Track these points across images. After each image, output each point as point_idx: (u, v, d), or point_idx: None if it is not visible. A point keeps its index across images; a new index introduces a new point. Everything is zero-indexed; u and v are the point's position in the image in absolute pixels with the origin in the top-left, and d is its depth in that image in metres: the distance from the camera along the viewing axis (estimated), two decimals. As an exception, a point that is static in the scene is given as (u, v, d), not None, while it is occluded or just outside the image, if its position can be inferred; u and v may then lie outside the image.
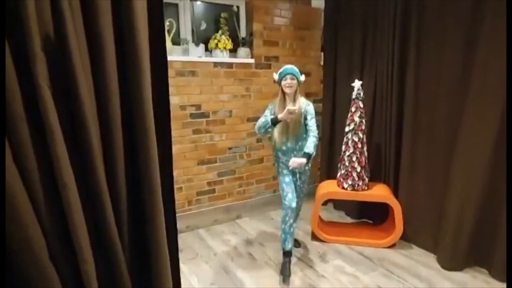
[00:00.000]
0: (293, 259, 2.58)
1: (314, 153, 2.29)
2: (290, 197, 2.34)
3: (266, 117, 2.31)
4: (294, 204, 2.34)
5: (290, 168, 2.25)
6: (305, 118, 2.35)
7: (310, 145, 2.27)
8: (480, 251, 2.37)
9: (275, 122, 2.24)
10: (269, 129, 2.30)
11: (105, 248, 0.93)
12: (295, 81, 2.29)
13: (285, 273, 2.35)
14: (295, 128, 2.32)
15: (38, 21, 0.71)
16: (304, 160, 2.22)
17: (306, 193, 2.64)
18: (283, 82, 2.29)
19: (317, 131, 2.34)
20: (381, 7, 2.88)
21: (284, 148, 2.38)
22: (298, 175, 2.49)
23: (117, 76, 0.86)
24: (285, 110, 2.18)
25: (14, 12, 0.71)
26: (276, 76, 2.36)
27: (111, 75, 0.84)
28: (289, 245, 2.41)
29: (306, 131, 2.35)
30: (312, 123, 2.34)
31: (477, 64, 2.23)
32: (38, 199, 0.75)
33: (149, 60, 0.92)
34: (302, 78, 2.35)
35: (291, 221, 2.38)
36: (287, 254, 2.42)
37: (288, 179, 2.40)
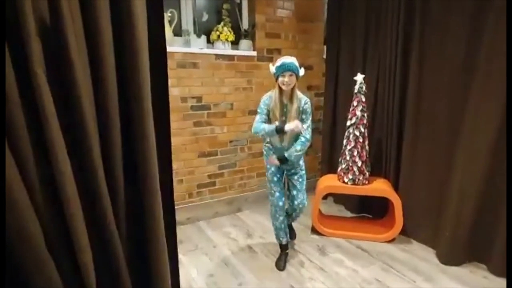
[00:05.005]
0: (293, 252, 2.59)
1: (302, 152, 2.19)
2: (277, 195, 2.33)
3: (262, 115, 2.16)
4: (281, 203, 2.33)
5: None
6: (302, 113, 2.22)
7: (294, 149, 2.16)
8: (479, 247, 2.37)
9: (280, 131, 2.08)
10: (271, 136, 2.20)
11: (103, 238, 0.93)
12: (294, 78, 2.06)
13: (279, 264, 2.38)
14: None
15: (33, 6, 0.70)
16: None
17: (308, 190, 2.51)
18: (280, 79, 2.07)
19: (310, 134, 2.19)
20: (385, 0, 2.85)
21: (279, 146, 2.27)
22: (291, 171, 2.36)
23: (115, 64, 0.85)
24: (294, 124, 2.04)
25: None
26: (272, 69, 2.12)
27: (109, 64, 0.83)
28: (284, 239, 2.43)
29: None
30: (306, 125, 2.16)
31: (481, 60, 2.20)
32: (34, 186, 0.75)
33: (147, 50, 0.91)
34: (302, 72, 2.12)
35: (281, 217, 2.36)
36: (283, 247, 2.46)
37: (276, 178, 2.33)
